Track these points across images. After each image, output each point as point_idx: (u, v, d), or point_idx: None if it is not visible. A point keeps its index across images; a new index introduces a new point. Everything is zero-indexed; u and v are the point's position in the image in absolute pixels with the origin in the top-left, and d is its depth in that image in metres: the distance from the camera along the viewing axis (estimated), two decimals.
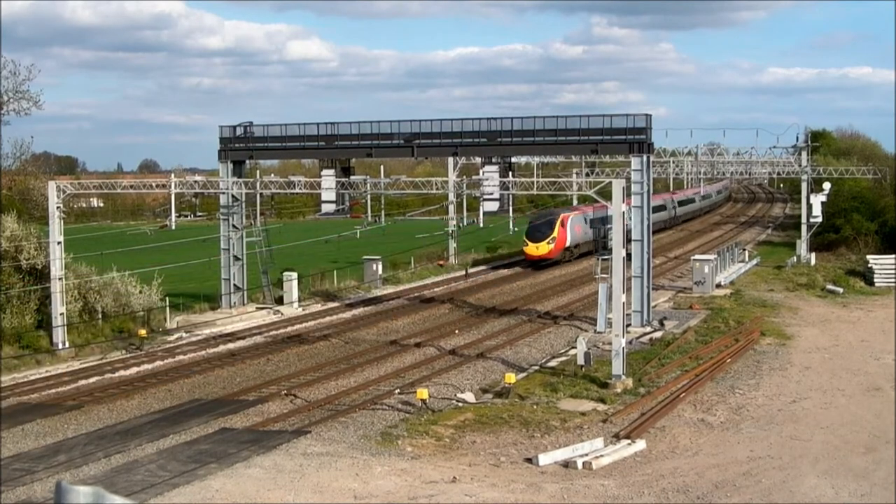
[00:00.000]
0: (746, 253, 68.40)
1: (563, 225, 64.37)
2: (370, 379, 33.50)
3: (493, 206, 46.71)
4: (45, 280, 39.38)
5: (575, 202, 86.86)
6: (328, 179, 46.17)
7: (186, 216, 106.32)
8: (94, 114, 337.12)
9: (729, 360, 35.73)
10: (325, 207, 47.09)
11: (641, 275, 41.65)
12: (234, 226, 48.58)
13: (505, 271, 64.75)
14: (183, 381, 33.46)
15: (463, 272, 62.55)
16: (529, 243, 64.40)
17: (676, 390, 31.20)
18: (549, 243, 63.41)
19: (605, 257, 35.34)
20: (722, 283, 55.09)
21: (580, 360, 33.69)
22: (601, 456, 23.94)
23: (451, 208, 70.33)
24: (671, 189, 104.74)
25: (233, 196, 48.16)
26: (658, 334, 40.91)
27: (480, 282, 59.44)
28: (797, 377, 33.47)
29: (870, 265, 57.29)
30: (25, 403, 30.55)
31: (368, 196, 77.98)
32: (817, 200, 65.62)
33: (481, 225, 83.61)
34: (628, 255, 37.55)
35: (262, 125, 48.02)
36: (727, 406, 29.40)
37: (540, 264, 63.64)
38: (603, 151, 46.96)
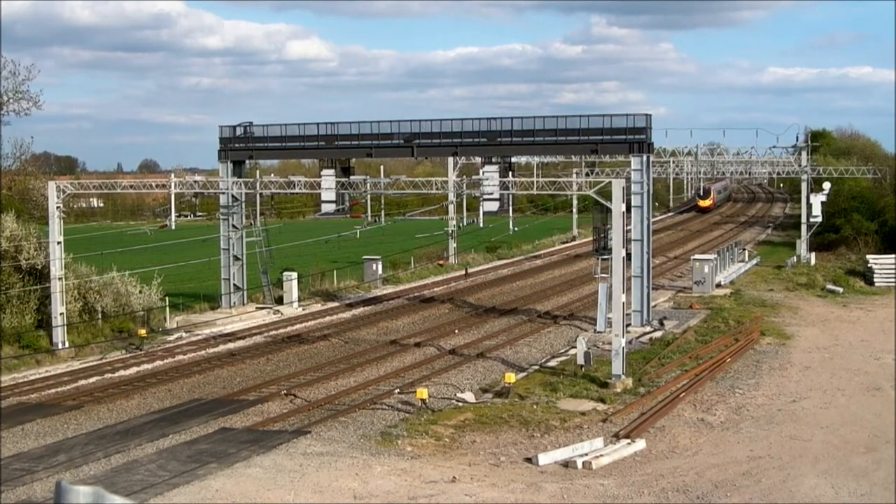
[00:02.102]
0: (746, 253, 68.41)
1: (712, 191, 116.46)
2: (370, 379, 33.50)
3: (493, 206, 46.71)
4: (45, 280, 39.39)
5: (575, 202, 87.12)
6: (328, 179, 46.17)
7: (186, 216, 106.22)
8: (94, 114, 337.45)
9: (729, 359, 35.73)
10: (325, 207, 47.09)
11: (641, 275, 41.65)
12: (234, 226, 48.58)
13: (505, 271, 64.84)
14: (183, 381, 33.46)
15: (463, 272, 62.60)
16: (700, 200, 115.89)
17: (676, 390, 31.21)
18: (709, 200, 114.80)
19: (605, 257, 35.34)
20: (722, 283, 55.10)
21: (580, 360, 33.69)
22: (601, 456, 23.94)
23: (451, 208, 70.34)
24: (670, 190, 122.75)
25: (233, 196, 48.16)
26: (658, 334, 40.91)
27: (480, 282, 59.45)
28: (797, 377, 33.47)
29: (870, 265, 57.32)
30: (25, 403, 30.55)
31: (368, 196, 77.88)
32: (817, 200, 65.64)
33: (481, 225, 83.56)
34: (628, 255, 37.55)
35: (262, 125, 48.05)
36: (727, 406, 29.41)
37: (705, 211, 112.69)
38: (603, 151, 46.98)
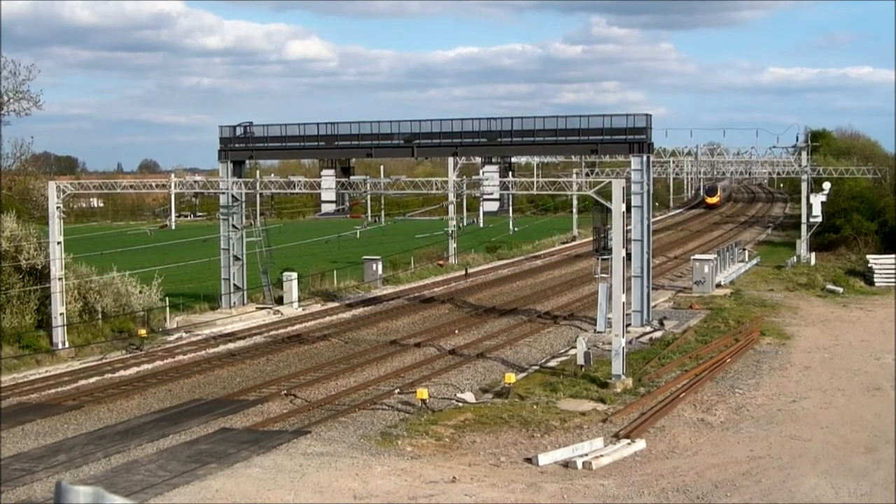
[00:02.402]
0: (746, 253, 68.41)
1: (719, 188, 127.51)
2: (370, 379, 33.50)
3: (493, 206, 46.68)
4: (45, 280, 39.38)
5: (575, 202, 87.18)
6: (328, 179, 46.16)
7: (186, 216, 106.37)
8: (94, 114, 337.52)
9: (729, 359, 35.72)
10: (325, 207, 47.07)
11: (641, 275, 41.64)
12: (234, 226, 48.58)
13: (505, 271, 64.85)
14: (183, 381, 33.46)
15: (463, 272, 62.60)
16: (708, 197, 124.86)
17: (676, 390, 31.21)
18: (716, 197, 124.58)
19: (605, 257, 35.33)
20: (722, 283, 55.10)
21: (580, 360, 33.70)
22: (601, 456, 23.94)
23: (451, 208, 70.34)
24: (670, 190, 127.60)
25: (233, 196, 48.16)
26: (658, 334, 40.91)
27: (480, 282, 59.44)
28: (797, 377, 33.46)
29: (870, 265, 57.32)
30: (25, 403, 30.55)
31: (368, 196, 77.95)
32: (817, 200, 65.64)
33: (481, 225, 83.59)
34: (628, 255, 37.54)
35: (262, 125, 48.04)
36: (727, 406, 29.40)
37: (712, 207, 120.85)
38: (603, 151, 46.96)
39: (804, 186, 69.72)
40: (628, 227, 38.60)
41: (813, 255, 65.72)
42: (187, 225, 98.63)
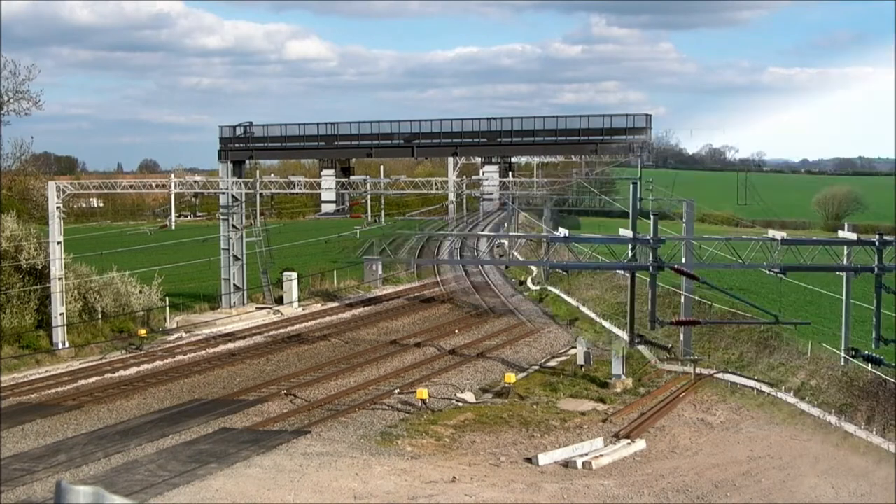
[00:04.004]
0: None
1: None
2: (370, 379, 33.50)
3: (493, 206, 46.69)
4: (45, 280, 39.37)
5: None
6: (328, 179, 46.18)
7: (186, 216, 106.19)
8: (94, 114, 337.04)
9: None
10: (325, 207, 47.12)
11: None
12: (234, 226, 48.56)
13: None
14: (183, 381, 33.45)
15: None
16: None
17: (676, 390, 31.20)
18: None
19: None
20: None
21: (580, 360, 33.70)
22: (601, 456, 23.94)
23: (451, 208, 70.32)
24: None
25: (233, 196, 48.15)
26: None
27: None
28: None
29: None
30: (25, 403, 30.54)
31: (368, 196, 77.84)
32: None
33: None
34: None
35: (262, 125, 48.09)
36: (727, 406, 29.39)
37: None
38: (603, 151, 46.95)
39: None
40: None
41: None
42: (187, 225, 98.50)
